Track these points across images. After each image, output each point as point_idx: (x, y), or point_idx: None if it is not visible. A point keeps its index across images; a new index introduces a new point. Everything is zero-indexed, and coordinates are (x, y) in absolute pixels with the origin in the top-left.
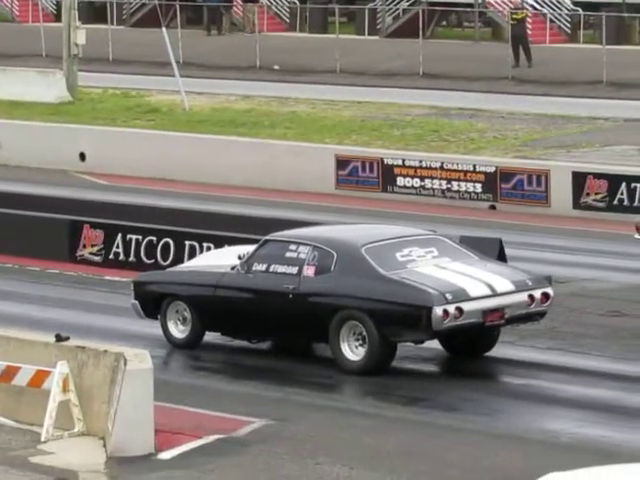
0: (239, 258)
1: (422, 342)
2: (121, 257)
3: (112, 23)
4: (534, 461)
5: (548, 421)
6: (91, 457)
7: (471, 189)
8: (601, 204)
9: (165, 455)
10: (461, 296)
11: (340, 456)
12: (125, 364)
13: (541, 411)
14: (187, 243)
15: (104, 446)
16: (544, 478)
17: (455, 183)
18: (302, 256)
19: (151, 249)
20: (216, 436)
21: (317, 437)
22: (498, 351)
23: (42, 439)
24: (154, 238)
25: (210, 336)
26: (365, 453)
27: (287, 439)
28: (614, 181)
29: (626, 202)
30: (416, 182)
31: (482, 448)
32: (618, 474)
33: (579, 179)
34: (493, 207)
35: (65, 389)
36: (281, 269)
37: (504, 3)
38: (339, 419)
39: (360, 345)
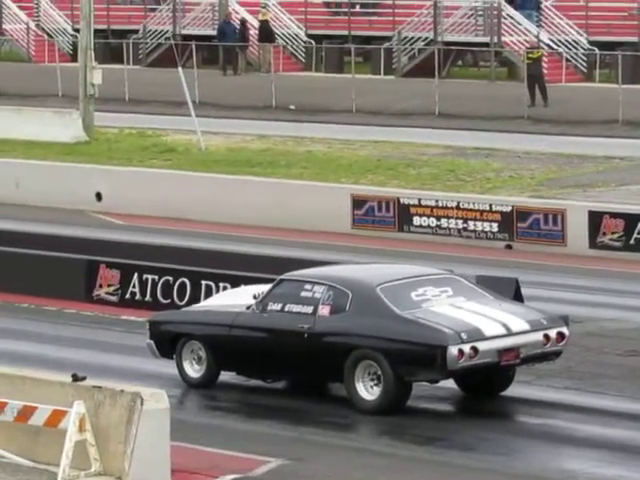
0: (254, 298)
1: (437, 382)
2: (137, 297)
3: (128, 63)
4: None
5: (565, 461)
6: None
7: (487, 228)
8: (617, 244)
9: None
10: (476, 335)
11: None
12: (142, 404)
13: (558, 451)
14: (203, 283)
15: None
16: None
17: (471, 222)
18: (317, 295)
19: (167, 289)
20: (232, 476)
21: (333, 477)
22: (515, 391)
23: (59, 479)
24: (170, 278)
25: (226, 375)
26: None
27: (303, 478)
28: (630, 220)
29: None
30: (432, 222)
31: None
32: None
33: (595, 218)
34: (509, 246)
35: (82, 429)
36: (296, 308)
37: (520, 42)
38: (355, 458)
39: (375, 385)
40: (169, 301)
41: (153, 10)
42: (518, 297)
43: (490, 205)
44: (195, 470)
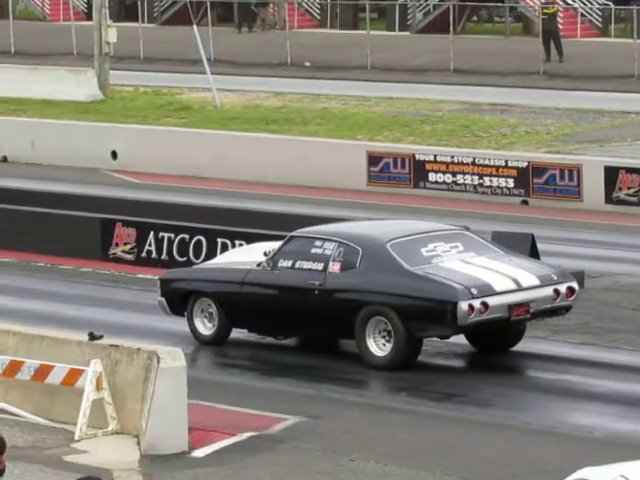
0: (265, 255)
1: (448, 337)
2: (153, 255)
3: (143, 21)
4: (568, 456)
5: (581, 416)
6: (125, 455)
7: (503, 184)
8: (633, 198)
9: (199, 453)
10: (486, 291)
11: (374, 453)
12: (158, 362)
13: (574, 406)
14: (219, 240)
15: (138, 444)
16: (578, 473)
17: (487, 178)
18: (327, 252)
19: (183, 247)
20: (249, 433)
21: (350, 434)
22: (531, 346)
23: (76, 437)
24: (186, 236)
25: (241, 333)
26: (399, 449)
27: (320, 436)
28: None
29: None
30: (448, 178)
31: (516, 443)
32: None
33: (611, 174)
34: (525, 202)
35: (98, 387)
36: (307, 265)
37: None
38: (372, 415)
39: (386, 341)
40: (185, 259)
41: None
42: (534, 252)
43: (506, 161)
44: (212, 428)
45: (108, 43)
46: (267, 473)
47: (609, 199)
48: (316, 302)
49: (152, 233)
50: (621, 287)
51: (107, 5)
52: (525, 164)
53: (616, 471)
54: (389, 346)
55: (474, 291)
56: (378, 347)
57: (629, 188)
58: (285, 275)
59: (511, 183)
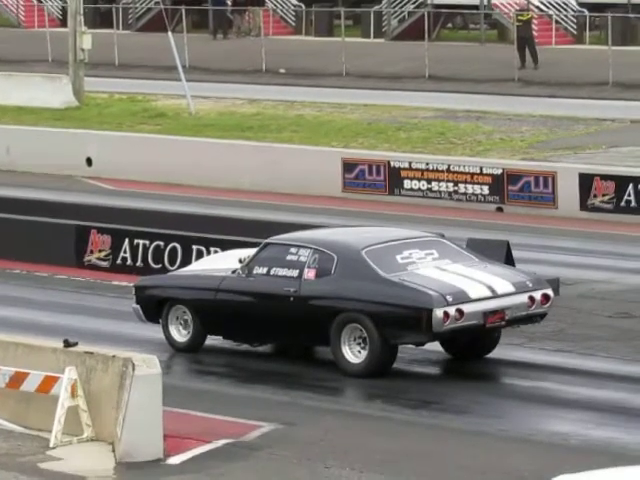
0: (240, 262)
1: (423, 344)
2: (128, 262)
3: (118, 28)
4: (543, 463)
5: (557, 423)
6: (100, 462)
7: (478, 191)
8: (608, 205)
9: (174, 460)
10: (461, 298)
11: (349, 460)
12: (133, 369)
13: (550, 413)
14: (194, 247)
15: (113, 451)
16: None
17: (462, 185)
18: (303, 259)
19: (158, 254)
20: (225, 440)
21: (326, 441)
22: (506, 353)
23: (51, 445)
24: (161, 243)
25: (217, 340)
26: (374, 456)
27: (296, 443)
28: (621, 182)
29: (633, 203)
30: (423, 185)
31: (491, 450)
32: (628, 476)
33: (586, 181)
34: (500, 209)
35: (74, 395)
36: (282, 272)
37: (510, 5)
38: (348, 423)
39: (361, 348)
40: (160, 266)
41: None
42: (509, 260)
43: (481, 168)
44: (187, 435)
45: (83, 50)
46: None
47: (584, 206)
48: (291, 309)
49: (127, 240)
50: (596, 294)
51: (82, 12)
52: (500, 171)
53: (591, 478)
54: (364, 353)
55: (449, 298)
56: (353, 354)
57: (604, 195)
58: (260, 282)
59: (486, 190)
